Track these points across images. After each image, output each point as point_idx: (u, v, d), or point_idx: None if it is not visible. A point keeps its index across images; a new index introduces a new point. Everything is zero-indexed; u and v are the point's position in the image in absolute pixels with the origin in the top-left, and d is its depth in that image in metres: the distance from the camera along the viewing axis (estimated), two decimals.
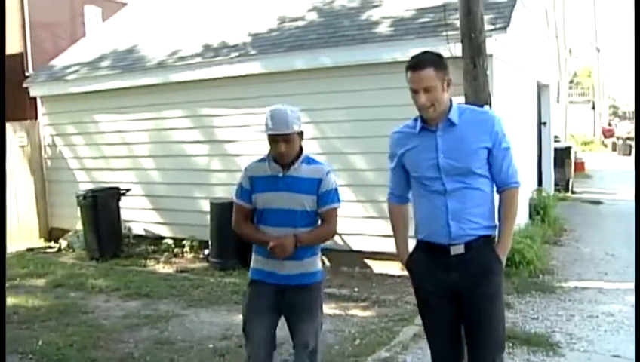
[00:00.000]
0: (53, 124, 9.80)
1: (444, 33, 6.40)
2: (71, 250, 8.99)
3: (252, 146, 7.85)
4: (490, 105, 6.14)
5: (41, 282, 7.26)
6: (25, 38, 21.07)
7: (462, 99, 6.25)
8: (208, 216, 7.66)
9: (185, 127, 8.46)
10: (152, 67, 8.66)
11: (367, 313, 5.63)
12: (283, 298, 3.19)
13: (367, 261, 7.21)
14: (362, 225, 7.13)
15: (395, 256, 7.35)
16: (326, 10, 8.24)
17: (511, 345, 4.61)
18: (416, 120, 2.89)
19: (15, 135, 10.01)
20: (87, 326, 5.45)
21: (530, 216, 9.03)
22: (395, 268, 6.84)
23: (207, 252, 7.88)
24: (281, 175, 3.16)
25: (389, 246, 6.58)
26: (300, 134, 3.15)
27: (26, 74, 19.64)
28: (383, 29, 7.16)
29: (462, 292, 2.83)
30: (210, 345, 4.88)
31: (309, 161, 3.22)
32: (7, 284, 6.98)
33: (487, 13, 6.54)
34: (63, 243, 9.21)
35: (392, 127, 6.45)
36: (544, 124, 11.95)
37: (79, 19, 23.09)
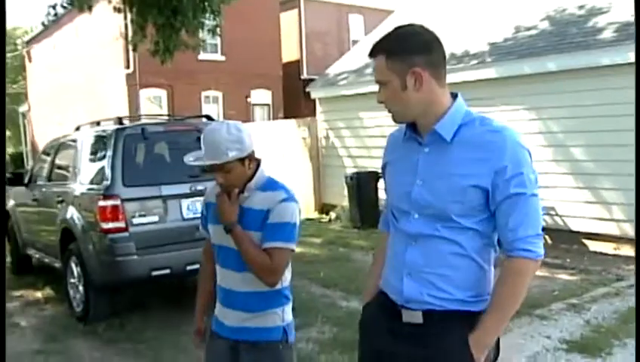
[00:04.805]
0: (327, 120, 12.29)
1: None
2: (338, 221, 11.35)
3: None
4: None
5: (318, 240, 9.63)
6: (301, 47, 24.90)
7: None
8: None
9: None
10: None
11: (572, 277, 6.77)
12: (239, 359, 2.50)
13: (585, 240, 8.17)
14: (581, 209, 8.13)
15: (610, 237, 8.22)
16: (557, 19, 9.25)
17: None
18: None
19: (299, 129, 12.73)
20: (351, 269, 7.49)
21: None
22: (609, 248, 7.77)
23: None
24: None
25: (605, 227, 7.59)
26: (245, 159, 2.38)
27: (301, 77, 23.33)
28: (607, 34, 8.00)
29: None
30: None
31: (267, 186, 2.47)
32: None
33: None
34: (332, 215, 11.63)
35: (611, 123, 7.38)
36: None
37: (344, 27, 26.38)
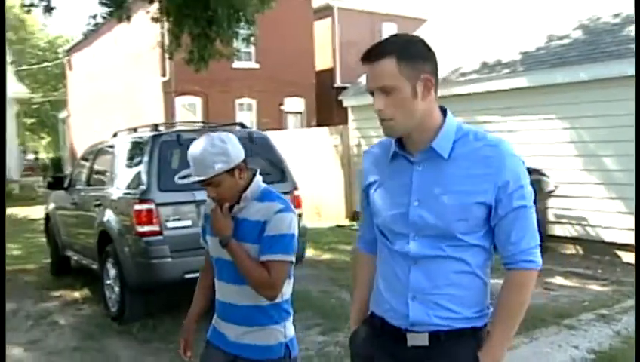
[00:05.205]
0: (359, 128, 12.38)
1: None
2: None
3: (519, 149, 9.28)
4: None
5: (348, 247, 9.69)
6: (334, 56, 25.09)
7: None
8: None
9: None
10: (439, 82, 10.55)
11: (603, 288, 6.71)
12: None
13: (618, 251, 8.08)
14: (614, 219, 8.05)
15: None
16: (591, 28, 9.19)
17: None
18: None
19: (331, 136, 12.85)
20: None
21: None
22: None
23: None
24: None
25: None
26: (234, 170, 2.34)
27: (334, 85, 23.48)
28: None
29: None
30: None
31: (264, 196, 2.42)
32: (325, 247, 9.62)
33: None
34: None
35: None
36: None
37: (377, 36, 26.44)
